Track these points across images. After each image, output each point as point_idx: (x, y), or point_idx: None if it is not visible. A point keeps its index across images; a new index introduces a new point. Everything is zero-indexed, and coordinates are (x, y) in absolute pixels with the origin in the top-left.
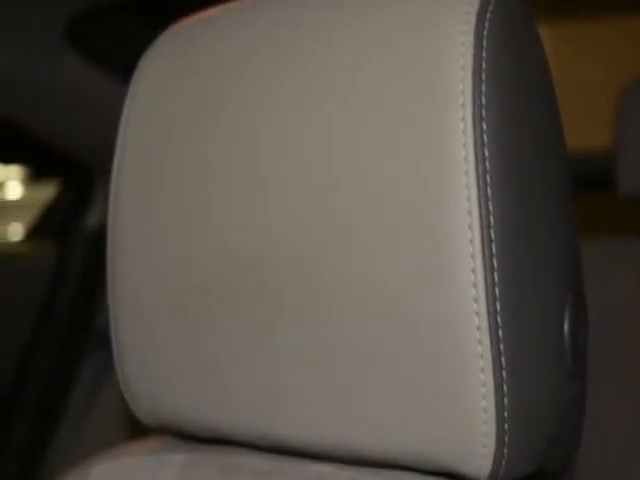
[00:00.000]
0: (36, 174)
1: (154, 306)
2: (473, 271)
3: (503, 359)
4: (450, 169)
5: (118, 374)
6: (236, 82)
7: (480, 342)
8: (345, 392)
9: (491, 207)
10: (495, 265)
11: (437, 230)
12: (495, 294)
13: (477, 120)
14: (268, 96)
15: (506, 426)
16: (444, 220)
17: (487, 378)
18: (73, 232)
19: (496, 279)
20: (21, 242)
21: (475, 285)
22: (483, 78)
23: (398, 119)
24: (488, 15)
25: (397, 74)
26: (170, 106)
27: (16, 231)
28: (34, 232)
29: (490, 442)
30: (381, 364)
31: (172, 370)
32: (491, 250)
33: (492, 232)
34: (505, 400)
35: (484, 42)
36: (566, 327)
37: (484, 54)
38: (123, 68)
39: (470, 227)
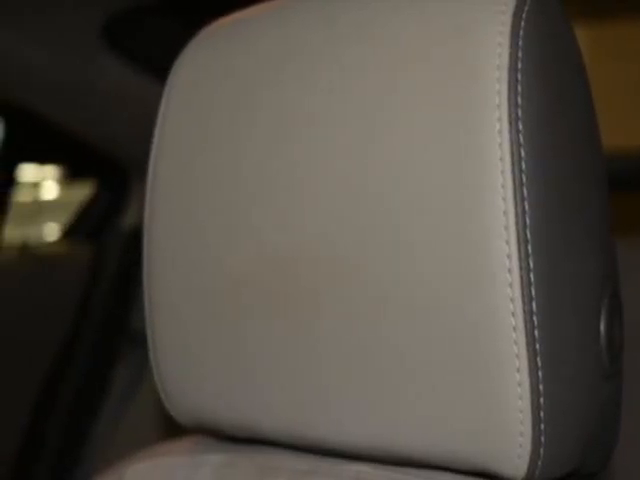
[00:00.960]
0: (72, 174)
1: (191, 306)
2: (509, 271)
3: (539, 359)
4: (486, 169)
5: (154, 374)
6: (272, 82)
7: (516, 342)
8: (382, 392)
9: (527, 207)
10: (531, 265)
11: (473, 230)
12: (531, 294)
13: (513, 120)
14: (305, 96)
15: (542, 426)
16: (480, 220)
17: (523, 378)
18: (109, 232)
19: (532, 279)
20: (57, 242)
21: (511, 285)
22: (519, 78)
23: (434, 119)
24: (524, 15)
25: (433, 74)
26: (206, 106)
27: (52, 231)
28: (70, 232)
29: (526, 442)
30: (418, 364)
31: (209, 370)
32: (527, 250)
33: (528, 232)
34: (541, 400)
35: (520, 42)
36: (602, 327)
37: (520, 54)
38: (160, 68)
39: (506, 227)
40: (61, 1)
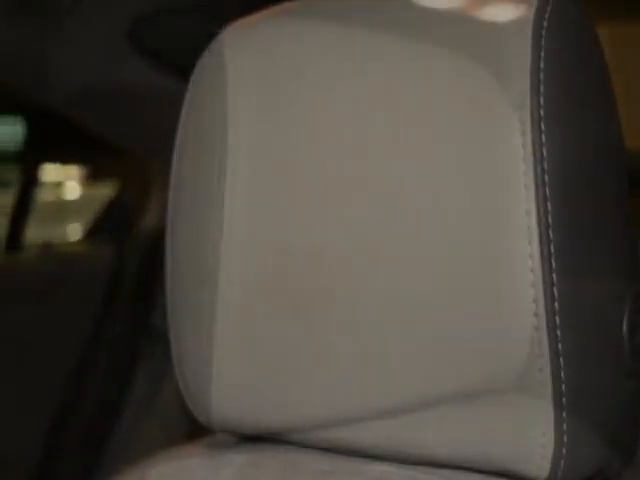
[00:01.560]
0: (94, 174)
1: (212, 304)
2: (532, 271)
3: (561, 359)
4: (508, 169)
5: (176, 374)
6: (296, 85)
7: (539, 342)
8: (405, 392)
9: (550, 207)
10: (553, 265)
11: (495, 231)
12: (553, 294)
13: (535, 120)
14: (330, 96)
15: (564, 426)
16: (502, 220)
17: (545, 378)
18: (131, 231)
19: (554, 280)
20: (79, 242)
21: (534, 285)
22: (541, 78)
23: (458, 114)
24: (546, 15)
25: (456, 74)
26: (229, 106)
27: (74, 231)
28: (92, 232)
29: (549, 442)
30: (443, 367)
31: (231, 370)
32: (549, 250)
33: (550, 232)
34: (563, 400)
35: (542, 42)
36: (625, 326)
37: (542, 54)
38: (184, 69)
39: (529, 227)
40: (88, 2)
